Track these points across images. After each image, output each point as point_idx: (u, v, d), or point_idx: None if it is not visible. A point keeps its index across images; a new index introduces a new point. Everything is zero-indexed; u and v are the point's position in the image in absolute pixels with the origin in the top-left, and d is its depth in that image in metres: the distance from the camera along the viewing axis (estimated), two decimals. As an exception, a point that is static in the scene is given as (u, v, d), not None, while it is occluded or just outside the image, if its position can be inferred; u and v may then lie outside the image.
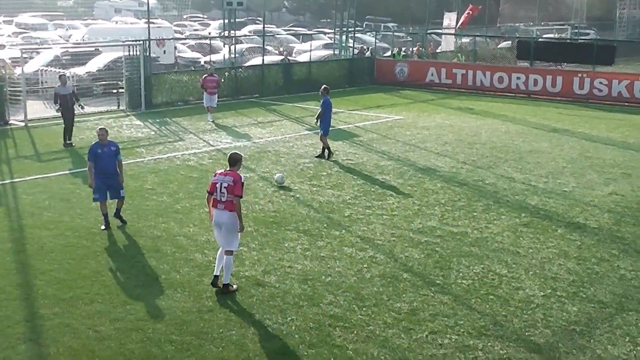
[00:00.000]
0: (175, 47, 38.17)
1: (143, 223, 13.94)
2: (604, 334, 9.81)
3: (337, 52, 39.06)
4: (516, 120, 27.08)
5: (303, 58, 37.68)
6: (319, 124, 19.94)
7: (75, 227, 13.68)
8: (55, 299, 10.47)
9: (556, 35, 50.87)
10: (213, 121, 25.37)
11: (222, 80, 28.69)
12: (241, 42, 39.69)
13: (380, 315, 10.18)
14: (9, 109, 24.66)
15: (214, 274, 10.91)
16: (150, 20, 30.66)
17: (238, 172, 10.82)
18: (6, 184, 16.85)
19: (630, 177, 18.39)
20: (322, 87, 20.11)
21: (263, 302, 10.55)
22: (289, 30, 59.34)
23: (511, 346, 9.39)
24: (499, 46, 43.25)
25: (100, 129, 13.71)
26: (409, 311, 10.32)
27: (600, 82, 31.67)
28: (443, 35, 46.58)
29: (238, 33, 40.78)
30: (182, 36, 51.05)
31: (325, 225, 14.05)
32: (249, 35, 46.78)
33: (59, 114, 21.28)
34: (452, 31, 45.21)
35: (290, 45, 45.15)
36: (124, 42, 29.72)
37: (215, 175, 10.91)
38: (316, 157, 19.85)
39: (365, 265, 12.01)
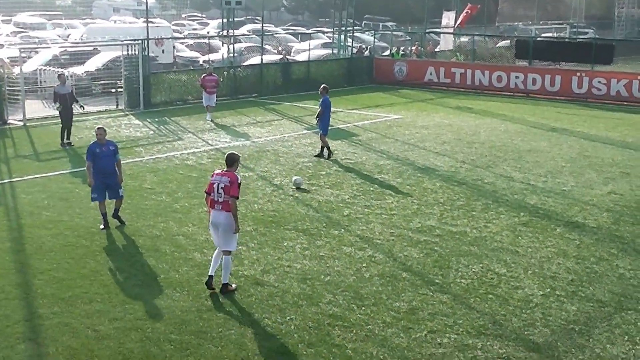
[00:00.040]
0: (174, 47, 38.08)
1: (142, 222, 13.94)
2: (603, 333, 9.82)
3: (335, 51, 39.01)
4: (515, 119, 27.08)
5: (302, 57, 37.62)
6: (318, 123, 19.96)
7: (74, 226, 13.68)
8: (54, 299, 10.47)
9: (555, 35, 50.86)
10: (212, 120, 25.37)
11: (221, 80, 28.65)
12: (240, 42, 39.62)
13: (380, 314, 10.18)
14: (8, 109, 24.65)
15: (209, 274, 10.89)
16: (149, 20, 30.65)
17: (235, 172, 10.82)
18: (5, 184, 16.84)
19: (629, 176, 18.40)
20: (322, 86, 20.08)
21: (262, 301, 10.55)
22: (288, 29, 59.30)
23: (510, 345, 9.40)
24: (497, 45, 43.29)
25: (98, 128, 13.71)
26: (408, 310, 10.32)
27: (599, 81, 31.63)
28: (442, 35, 46.54)
29: (237, 32, 40.71)
30: (181, 35, 50.95)
31: (324, 224, 14.05)
32: (248, 35, 46.66)
33: (58, 112, 21.26)
34: (451, 30, 45.19)
35: (289, 44, 45.10)
36: (122, 41, 29.69)
37: (212, 176, 10.90)
38: (315, 156, 19.85)
39: (364, 265, 12.01)
